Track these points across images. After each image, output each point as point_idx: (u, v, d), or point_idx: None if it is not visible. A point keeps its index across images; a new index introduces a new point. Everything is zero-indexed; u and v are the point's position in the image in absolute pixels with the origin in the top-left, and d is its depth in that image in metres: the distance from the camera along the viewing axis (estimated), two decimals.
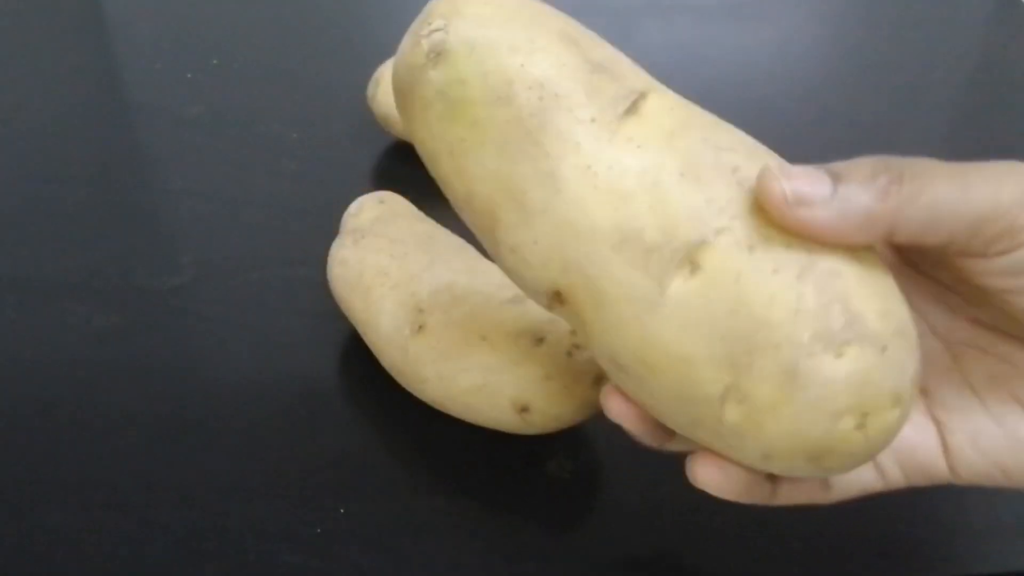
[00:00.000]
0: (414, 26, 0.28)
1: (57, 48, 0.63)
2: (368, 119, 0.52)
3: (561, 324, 0.35)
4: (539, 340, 0.35)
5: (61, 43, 0.64)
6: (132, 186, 0.52)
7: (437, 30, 0.27)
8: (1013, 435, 0.28)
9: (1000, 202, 0.24)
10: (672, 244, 0.24)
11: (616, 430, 0.39)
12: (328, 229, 0.43)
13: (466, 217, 0.28)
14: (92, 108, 0.58)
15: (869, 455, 0.25)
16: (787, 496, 0.29)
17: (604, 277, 0.25)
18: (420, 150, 0.29)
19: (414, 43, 0.27)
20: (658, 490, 0.37)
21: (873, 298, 0.24)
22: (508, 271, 0.28)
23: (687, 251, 0.24)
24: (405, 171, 0.45)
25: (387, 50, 0.53)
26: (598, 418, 0.37)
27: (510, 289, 0.37)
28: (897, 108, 0.59)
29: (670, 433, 0.29)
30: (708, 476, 0.28)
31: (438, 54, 0.27)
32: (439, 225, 0.42)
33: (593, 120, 0.26)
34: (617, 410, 0.29)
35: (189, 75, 0.60)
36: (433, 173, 0.29)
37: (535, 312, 0.36)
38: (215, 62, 0.61)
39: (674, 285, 0.24)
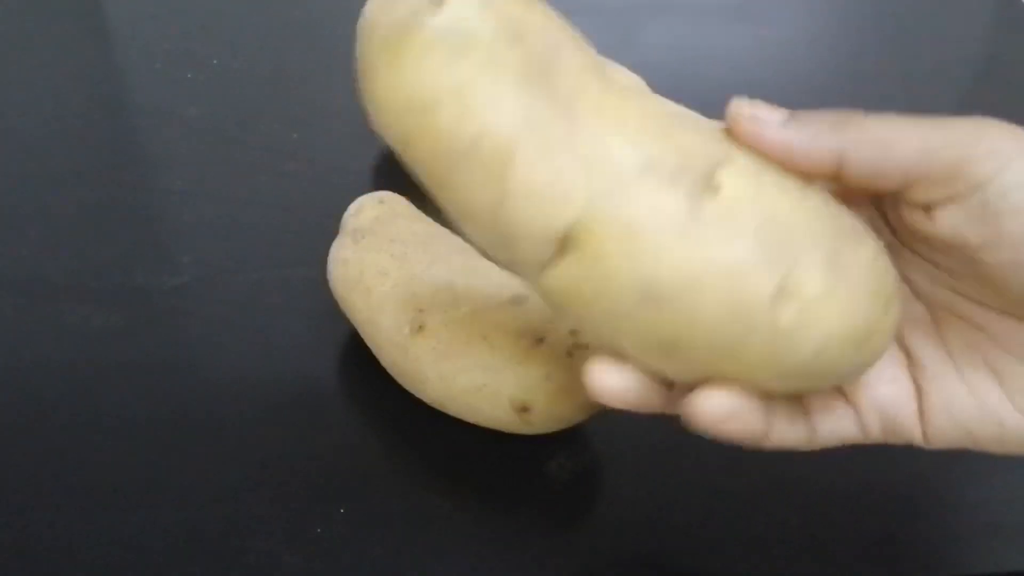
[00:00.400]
0: None
1: (57, 48, 0.63)
2: (368, 119, 0.52)
3: (561, 324, 0.35)
4: (539, 340, 0.35)
5: (61, 43, 0.64)
6: (132, 186, 0.52)
7: None
8: (983, 403, 0.29)
9: (950, 139, 0.26)
10: (695, 168, 0.26)
11: (616, 430, 0.39)
12: (328, 229, 0.43)
13: (461, 165, 0.26)
14: (92, 108, 0.58)
15: (891, 340, 0.28)
16: (779, 437, 0.30)
17: (634, 203, 0.25)
18: (397, 102, 0.27)
19: None
20: (658, 490, 0.37)
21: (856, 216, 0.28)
22: (510, 222, 0.26)
23: (708, 174, 0.26)
24: (405, 171, 0.45)
25: None
26: (598, 418, 0.37)
27: (510, 289, 0.37)
28: (897, 108, 0.59)
29: (669, 384, 0.29)
30: (603, 380, 0.28)
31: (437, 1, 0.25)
32: (439, 225, 0.42)
33: (591, 56, 0.27)
34: (611, 380, 0.28)
35: (189, 75, 0.60)
36: (411, 128, 0.27)
37: (535, 312, 0.36)
38: (215, 62, 0.61)
39: (705, 203, 0.25)
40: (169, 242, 0.49)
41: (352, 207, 0.42)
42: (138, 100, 0.59)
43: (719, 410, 0.27)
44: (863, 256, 0.26)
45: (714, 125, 0.28)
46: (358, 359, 0.41)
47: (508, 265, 0.28)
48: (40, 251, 0.48)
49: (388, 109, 0.28)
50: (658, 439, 0.39)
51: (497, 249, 0.28)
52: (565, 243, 0.26)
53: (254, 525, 0.36)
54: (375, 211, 0.42)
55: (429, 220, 0.42)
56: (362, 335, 0.40)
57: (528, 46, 0.26)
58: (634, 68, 0.50)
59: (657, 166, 0.25)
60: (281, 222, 0.49)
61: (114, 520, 0.36)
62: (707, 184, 0.25)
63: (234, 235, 0.49)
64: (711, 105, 0.29)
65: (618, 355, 0.28)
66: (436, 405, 0.37)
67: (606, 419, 0.38)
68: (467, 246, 0.40)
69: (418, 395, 0.38)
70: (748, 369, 0.26)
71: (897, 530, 0.36)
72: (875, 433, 0.31)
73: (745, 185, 0.26)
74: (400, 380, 0.38)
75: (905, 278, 0.31)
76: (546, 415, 0.35)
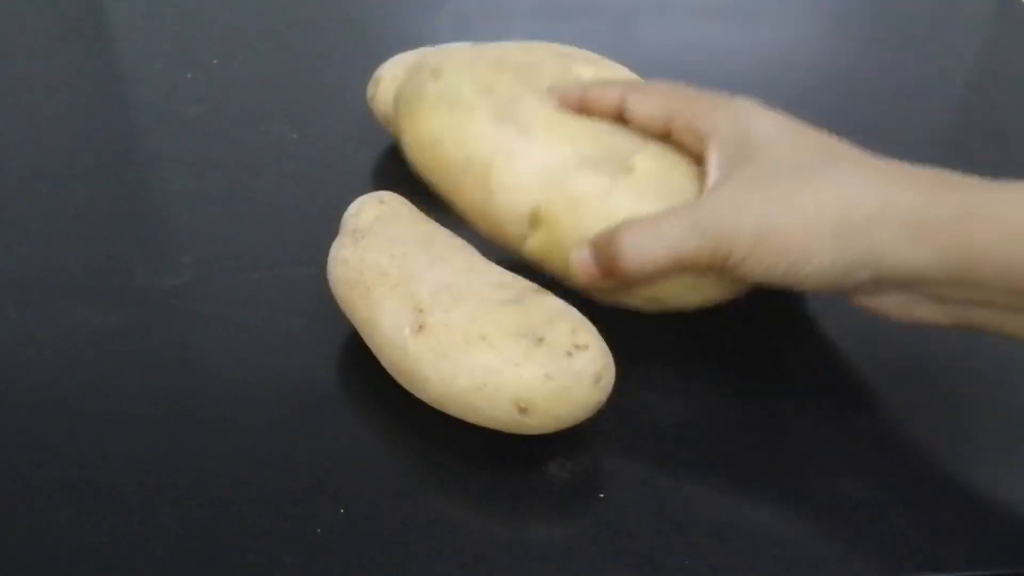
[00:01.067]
0: (409, 70, 0.45)
1: (58, 48, 0.63)
2: (368, 119, 0.52)
3: (561, 324, 0.35)
4: (539, 340, 0.35)
5: (62, 43, 0.64)
6: (132, 186, 0.52)
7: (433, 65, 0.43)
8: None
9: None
10: (616, 158, 0.40)
11: (616, 430, 0.39)
12: (328, 229, 0.43)
13: (462, 178, 0.41)
14: (92, 108, 0.58)
15: None
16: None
17: (574, 185, 0.39)
18: (419, 143, 0.42)
19: (417, 70, 0.43)
20: (658, 490, 0.37)
21: None
22: (496, 210, 0.41)
23: (626, 161, 0.40)
24: (405, 171, 0.45)
25: (387, 50, 0.53)
26: (598, 418, 0.37)
27: (510, 289, 0.37)
28: (897, 107, 0.60)
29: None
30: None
31: (436, 72, 0.43)
32: (439, 225, 0.42)
33: (541, 95, 0.42)
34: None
35: (189, 75, 0.60)
36: (429, 159, 0.42)
37: (535, 312, 0.36)
38: (215, 62, 0.61)
39: (622, 180, 0.39)
40: (169, 242, 0.49)
41: (352, 207, 0.42)
42: (138, 100, 0.59)
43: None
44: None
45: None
46: (358, 359, 0.41)
47: (503, 244, 0.42)
48: (40, 251, 0.48)
49: (414, 148, 0.43)
50: (658, 439, 0.39)
51: (493, 232, 0.42)
52: (534, 220, 0.40)
53: (254, 525, 0.36)
54: (375, 211, 0.42)
55: (429, 220, 0.42)
56: (362, 335, 0.40)
57: (497, 96, 0.41)
58: (634, 68, 0.50)
59: (589, 160, 0.40)
60: (281, 222, 0.49)
61: (114, 520, 0.36)
62: (625, 168, 0.39)
63: (234, 235, 0.49)
64: None
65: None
66: (436, 405, 0.37)
67: (606, 419, 0.38)
68: (467, 246, 0.40)
69: (418, 395, 0.38)
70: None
71: (897, 530, 0.36)
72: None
73: (650, 166, 0.40)
74: (400, 380, 0.38)
75: None
76: (546, 415, 0.35)
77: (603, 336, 0.36)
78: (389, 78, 0.51)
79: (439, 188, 0.42)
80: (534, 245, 0.41)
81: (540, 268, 0.41)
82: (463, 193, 0.41)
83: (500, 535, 0.36)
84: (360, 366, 0.41)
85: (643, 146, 0.40)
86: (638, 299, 0.41)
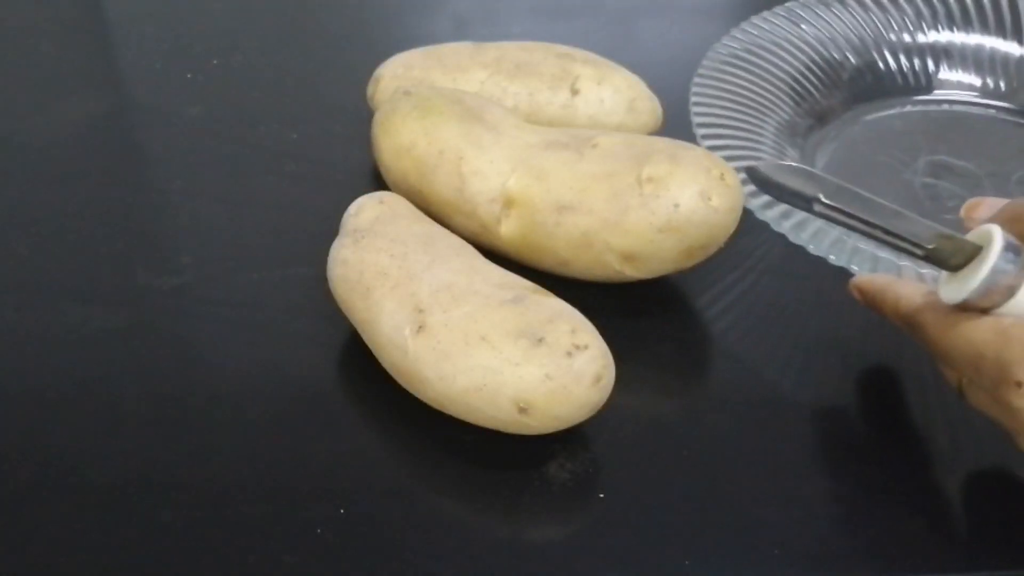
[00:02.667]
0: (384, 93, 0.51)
1: (57, 48, 0.63)
2: (368, 119, 0.52)
3: (561, 324, 0.35)
4: (539, 340, 0.35)
5: (61, 43, 0.64)
6: (132, 186, 0.52)
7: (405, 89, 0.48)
8: None
9: None
10: (581, 141, 0.42)
11: (616, 430, 0.39)
12: (328, 229, 0.43)
13: (435, 172, 0.43)
14: (92, 108, 0.58)
15: (732, 199, 0.40)
16: None
17: (542, 160, 0.42)
18: (395, 150, 0.45)
19: (393, 92, 0.49)
20: (658, 490, 0.37)
21: None
22: (470, 196, 0.43)
23: (591, 140, 0.42)
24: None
25: (387, 50, 0.53)
26: (598, 418, 0.37)
27: (510, 289, 0.37)
28: None
29: None
30: None
31: (407, 92, 0.47)
32: (439, 225, 0.42)
33: (507, 110, 0.46)
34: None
35: (189, 75, 0.60)
36: (406, 164, 0.45)
37: (535, 312, 0.36)
38: (215, 62, 0.61)
39: (588, 152, 0.41)
40: (169, 242, 0.49)
41: (352, 207, 0.42)
42: (138, 100, 0.59)
43: None
44: (694, 152, 0.41)
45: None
46: (358, 359, 0.41)
47: (481, 235, 0.43)
48: (40, 251, 0.48)
49: (391, 158, 0.46)
50: (657, 439, 0.39)
51: (470, 220, 0.43)
52: (507, 200, 0.42)
53: (254, 525, 0.36)
54: (375, 211, 0.42)
55: (429, 220, 0.42)
56: (362, 335, 0.40)
57: (464, 105, 0.44)
58: (634, 68, 0.50)
59: (557, 142, 0.42)
60: (281, 222, 0.49)
61: (114, 520, 0.36)
62: (590, 144, 0.42)
63: (234, 235, 0.49)
64: None
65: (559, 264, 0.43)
66: (436, 405, 0.37)
67: (606, 419, 0.38)
68: (467, 246, 0.40)
69: (418, 395, 0.38)
70: (633, 230, 0.40)
71: (897, 530, 0.36)
72: None
73: (613, 141, 0.42)
74: (400, 380, 0.38)
75: None
76: (546, 415, 0.35)
77: (603, 337, 0.36)
78: (389, 77, 0.51)
79: (417, 192, 0.44)
80: (507, 227, 0.42)
81: (518, 257, 0.43)
82: (438, 186, 0.43)
83: (500, 535, 0.36)
84: (360, 366, 0.41)
85: (606, 133, 0.43)
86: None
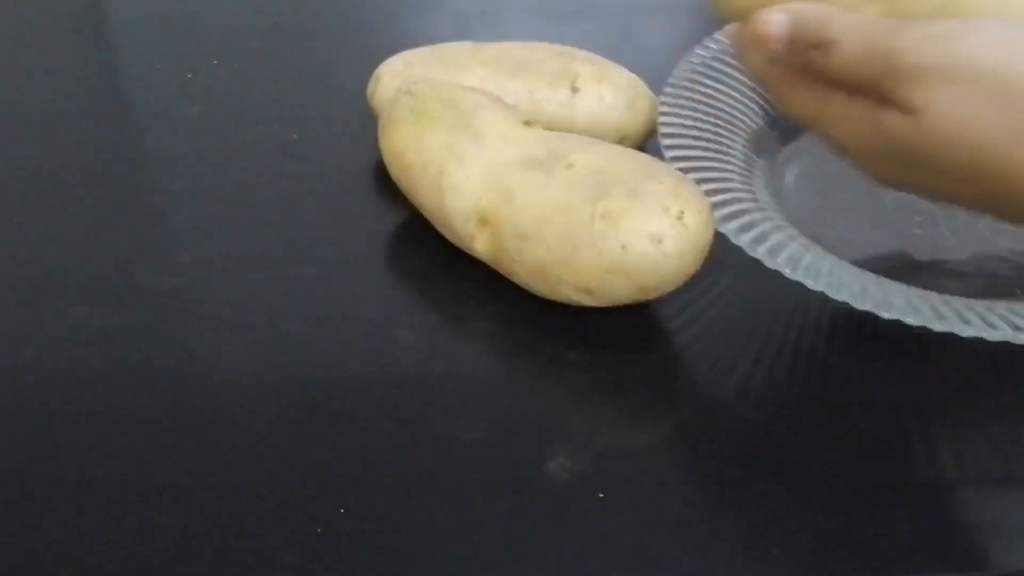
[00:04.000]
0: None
1: (57, 48, 0.63)
2: (368, 119, 0.52)
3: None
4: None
5: (61, 43, 0.64)
6: (132, 186, 0.52)
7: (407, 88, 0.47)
8: None
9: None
10: (559, 157, 0.41)
11: (616, 430, 0.39)
12: (328, 229, 0.43)
13: (420, 182, 0.44)
14: (92, 108, 0.58)
15: (691, 249, 0.39)
16: None
17: (515, 181, 0.41)
18: (391, 153, 0.46)
19: (394, 91, 0.48)
20: (658, 490, 0.37)
21: None
22: (448, 211, 0.43)
23: (566, 158, 0.41)
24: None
25: (387, 50, 0.53)
26: (598, 418, 0.37)
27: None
28: None
29: None
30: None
31: (409, 90, 0.46)
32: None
33: (503, 110, 0.45)
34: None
35: (189, 75, 0.60)
36: (398, 168, 0.45)
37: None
38: (215, 62, 0.61)
39: (559, 175, 0.40)
40: (169, 242, 0.49)
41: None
42: (138, 100, 0.59)
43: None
44: (660, 185, 0.39)
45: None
46: (358, 359, 0.41)
47: (460, 242, 0.44)
48: (40, 251, 0.48)
49: (389, 158, 0.46)
50: (657, 439, 0.39)
51: (451, 233, 0.44)
52: (480, 219, 0.42)
53: (254, 525, 0.36)
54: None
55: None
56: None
57: (459, 109, 0.44)
58: (634, 68, 0.50)
59: (533, 159, 0.42)
60: (281, 222, 0.49)
61: (114, 520, 0.36)
62: (566, 164, 0.41)
63: (234, 235, 0.49)
64: None
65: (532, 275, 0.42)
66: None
67: (606, 419, 0.38)
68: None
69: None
70: (583, 269, 0.39)
71: (897, 530, 0.36)
72: None
73: (589, 160, 0.41)
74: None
75: None
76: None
77: (603, 337, 0.36)
78: (389, 75, 0.51)
79: (411, 195, 0.46)
80: (481, 244, 0.43)
81: (490, 262, 0.43)
82: (423, 196, 0.44)
83: (500, 535, 0.36)
84: (360, 366, 0.41)
85: (588, 147, 0.42)
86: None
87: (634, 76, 0.49)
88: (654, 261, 0.38)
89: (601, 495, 0.37)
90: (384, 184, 0.48)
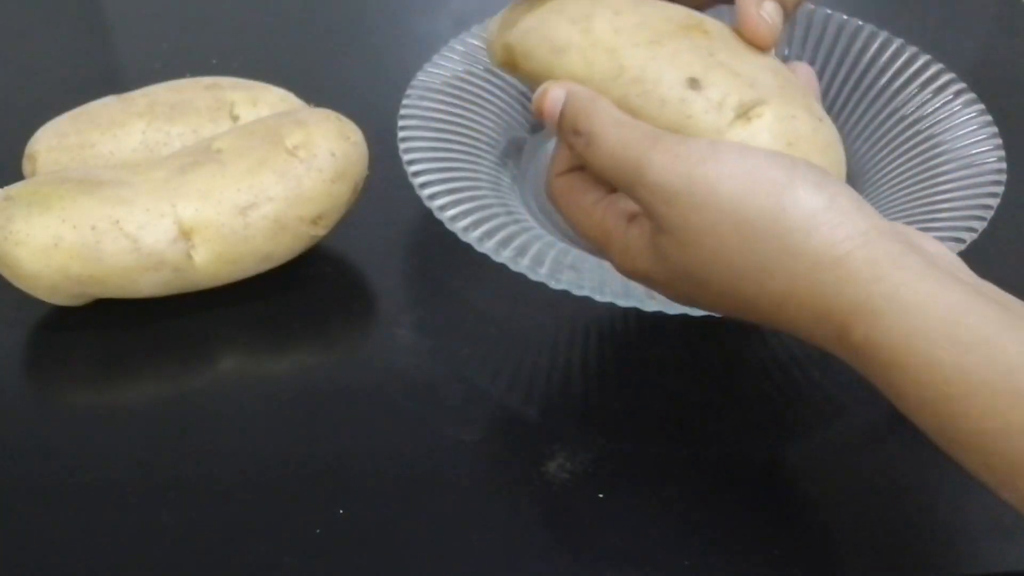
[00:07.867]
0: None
1: (57, 48, 0.63)
2: (368, 119, 0.52)
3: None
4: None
5: (61, 43, 0.64)
6: None
7: None
8: None
9: None
10: (200, 152, 0.43)
11: (616, 430, 0.39)
12: (328, 229, 0.43)
13: (99, 253, 0.40)
14: None
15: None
16: None
17: (192, 181, 0.41)
18: (38, 250, 0.40)
19: (53, 167, 0.46)
20: (658, 490, 0.37)
21: None
22: (151, 246, 0.40)
23: (209, 150, 0.43)
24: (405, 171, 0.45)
25: (387, 50, 0.53)
26: (598, 418, 0.37)
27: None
28: None
29: None
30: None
31: (7, 196, 0.41)
32: None
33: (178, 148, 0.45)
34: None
35: (189, 75, 0.59)
36: (56, 258, 0.40)
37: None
38: (215, 62, 0.61)
39: (222, 157, 0.42)
40: None
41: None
42: None
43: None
44: (306, 112, 0.43)
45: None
46: (358, 360, 0.41)
47: (173, 278, 0.41)
48: None
49: (33, 264, 0.40)
50: (657, 440, 0.39)
51: (159, 273, 0.41)
52: (185, 232, 0.41)
53: (254, 525, 0.36)
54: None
55: None
56: None
57: (76, 179, 0.41)
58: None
59: (188, 163, 0.42)
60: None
61: (114, 520, 0.36)
62: (214, 151, 0.42)
63: None
64: None
65: None
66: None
67: (606, 419, 0.38)
68: None
69: None
70: (315, 195, 0.42)
71: (897, 530, 0.36)
72: None
73: (229, 138, 0.43)
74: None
75: None
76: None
77: (605, 338, 0.36)
78: (45, 151, 0.47)
79: (93, 282, 0.41)
80: (202, 256, 0.41)
81: (216, 280, 0.42)
82: (109, 261, 0.40)
83: (500, 535, 0.36)
84: (360, 366, 0.41)
85: (212, 137, 0.44)
86: None
87: (285, 91, 0.49)
88: (354, 152, 0.44)
89: (601, 495, 0.37)
90: (385, 184, 0.47)
